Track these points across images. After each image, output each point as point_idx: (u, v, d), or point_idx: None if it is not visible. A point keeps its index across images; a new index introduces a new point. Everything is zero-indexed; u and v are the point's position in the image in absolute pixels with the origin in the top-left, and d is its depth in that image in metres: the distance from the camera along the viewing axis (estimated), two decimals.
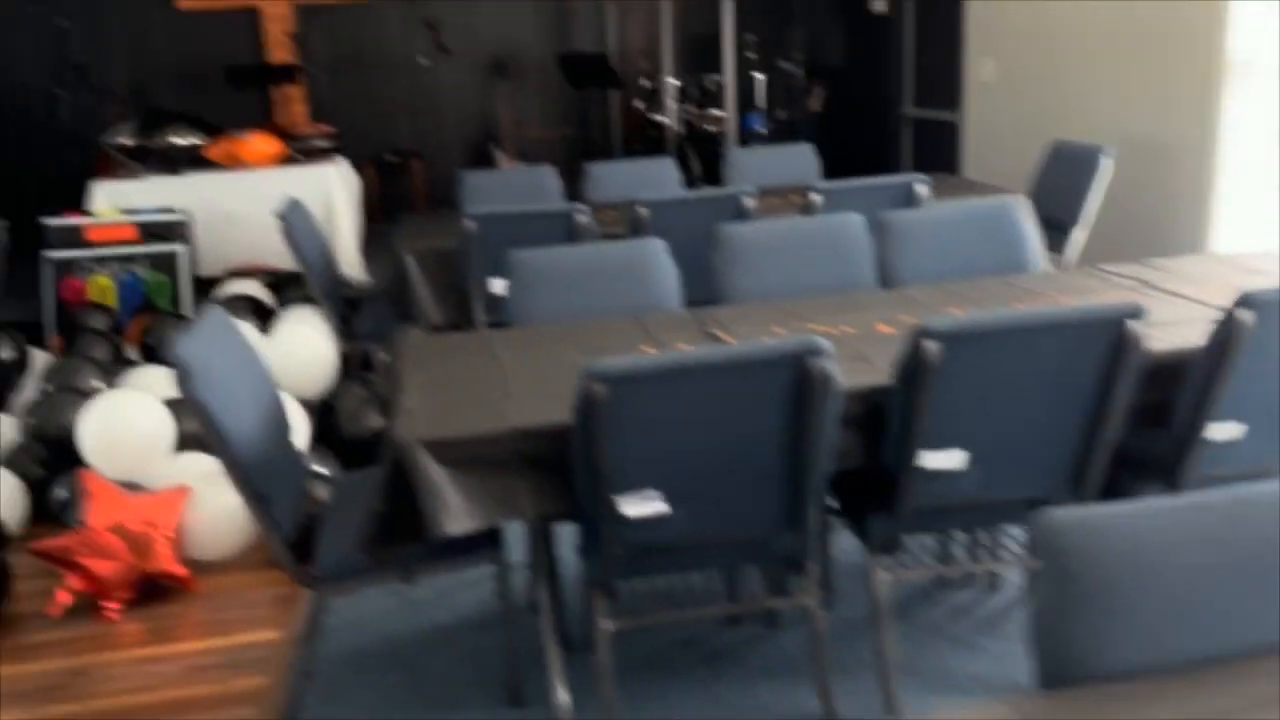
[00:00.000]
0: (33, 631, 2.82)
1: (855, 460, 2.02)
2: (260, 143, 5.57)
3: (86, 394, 3.46)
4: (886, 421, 1.98)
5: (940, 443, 1.94)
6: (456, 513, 1.87)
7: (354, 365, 4.16)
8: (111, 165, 7.47)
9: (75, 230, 5.27)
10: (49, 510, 3.35)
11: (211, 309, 2.33)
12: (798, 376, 1.81)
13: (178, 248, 5.34)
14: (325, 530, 2.29)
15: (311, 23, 7.95)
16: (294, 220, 4.07)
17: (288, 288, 5.13)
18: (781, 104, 7.52)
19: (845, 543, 2.66)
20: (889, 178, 4.00)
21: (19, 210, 7.87)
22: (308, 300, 4.56)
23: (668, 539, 1.94)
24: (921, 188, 3.78)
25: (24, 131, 7.99)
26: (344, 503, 2.42)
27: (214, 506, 3.06)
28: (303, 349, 3.83)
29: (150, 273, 5.32)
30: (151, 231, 5.33)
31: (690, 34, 8.12)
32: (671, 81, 7.54)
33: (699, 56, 8.17)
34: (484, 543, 2.14)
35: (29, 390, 4.04)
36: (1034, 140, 4.82)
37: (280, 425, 2.40)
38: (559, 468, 1.91)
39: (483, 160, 8.67)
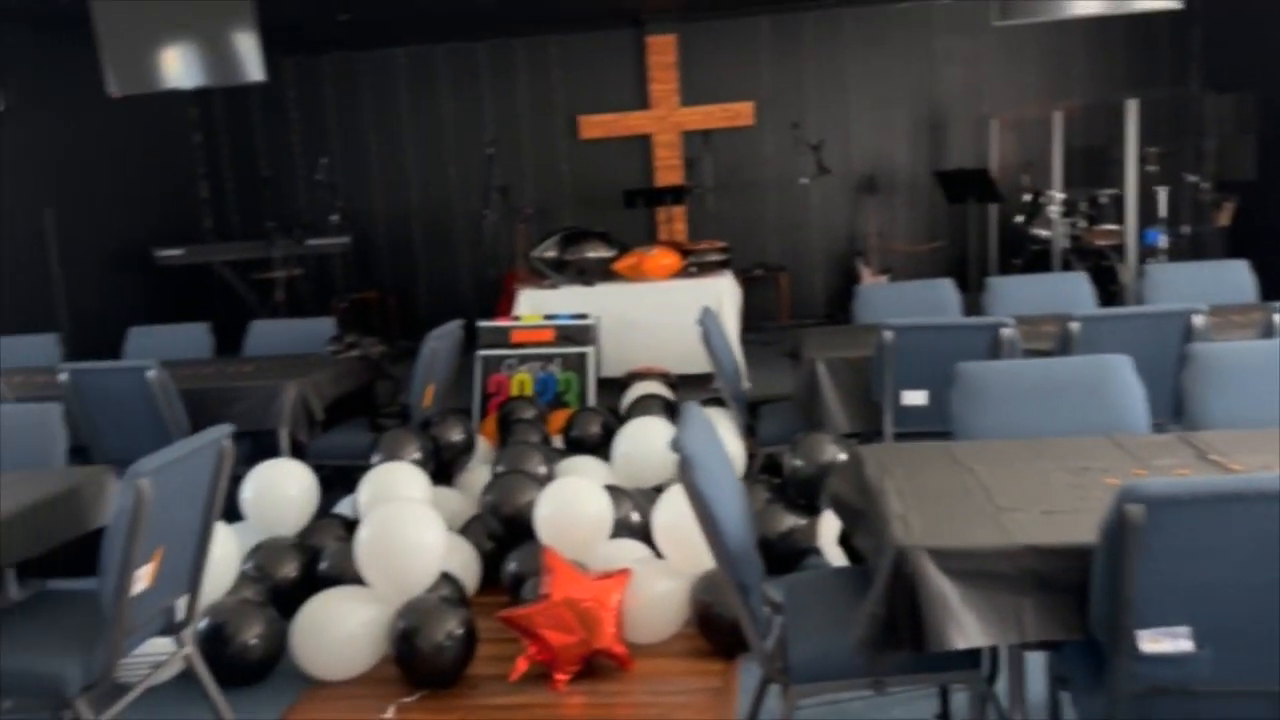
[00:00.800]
0: (493, 694, 3.09)
1: None
2: (663, 257, 5.99)
3: (533, 477, 3.82)
4: None
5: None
6: (966, 626, 1.85)
7: (756, 467, 4.29)
8: (518, 274, 8.35)
9: (504, 331, 5.89)
10: (498, 580, 3.70)
11: (691, 406, 2.49)
12: None
13: (588, 350, 5.82)
14: (791, 628, 2.34)
15: (700, 146, 8.52)
16: (709, 326, 4.31)
17: (684, 390, 5.43)
18: (1186, 219, 7.04)
19: None
20: None
21: (441, 311, 8.94)
22: (714, 402, 4.79)
23: (1189, 682, 1.80)
24: None
25: (453, 244, 9.13)
26: (802, 602, 2.47)
27: (649, 591, 3.24)
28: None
29: (563, 371, 5.82)
30: (566, 334, 5.86)
31: (1079, 147, 7.86)
32: (1057, 195, 7.29)
33: (1089, 169, 7.87)
34: (964, 659, 2.10)
35: (473, 470, 4.53)
36: None
37: (748, 519, 2.50)
38: (1070, 590, 1.84)
39: (846, 274, 8.80)
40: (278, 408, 4.24)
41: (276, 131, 9.14)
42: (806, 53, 8.61)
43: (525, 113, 8.92)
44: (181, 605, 2.76)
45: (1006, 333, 3.60)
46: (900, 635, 1.91)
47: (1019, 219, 7.56)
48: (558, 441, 4.81)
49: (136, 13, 6.03)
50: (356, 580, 3.54)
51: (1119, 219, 7.01)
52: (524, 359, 5.88)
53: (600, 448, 4.64)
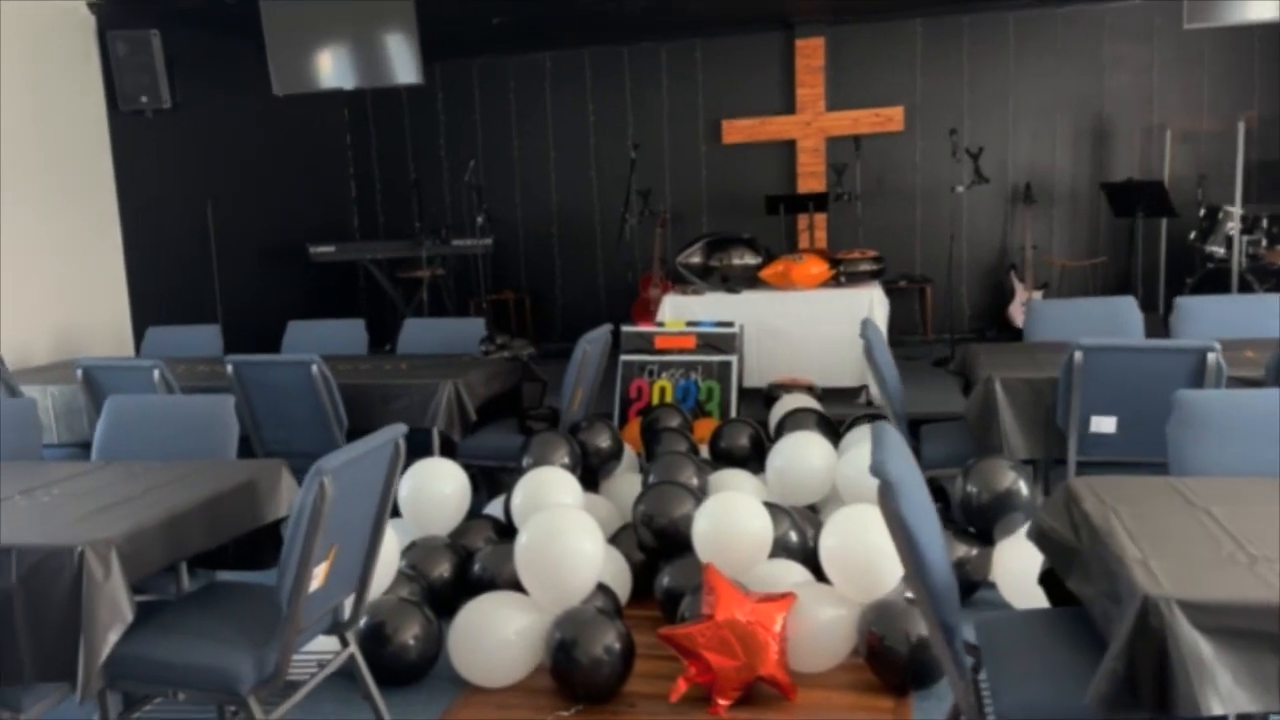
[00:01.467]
0: (653, 712, 2.98)
1: None
2: (812, 265, 5.82)
3: (687, 489, 3.70)
4: None
5: None
6: (1221, 690, 1.65)
7: None
8: (652, 279, 8.27)
9: (647, 337, 5.81)
10: (647, 593, 3.60)
11: (885, 427, 2.33)
12: None
13: (731, 358, 5.68)
14: (995, 674, 2.16)
15: (849, 152, 8.30)
16: (873, 339, 4.12)
17: (828, 404, 5.25)
18: None
19: None
20: None
21: (577, 314, 8.94)
22: (863, 419, 4.59)
23: None
24: None
25: (590, 247, 9.13)
26: (1003, 646, 2.28)
27: (815, 618, 3.08)
28: None
29: (705, 379, 5.70)
30: (709, 342, 5.74)
31: (1257, 160, 7.35)
32: (1235, 211, 6.81)
33: (1271, 185, 7.36)
34: None
35: (618, 477, 4.44)
36: None
37: (948, 551, 2.33)
38: None
39: (996, 289, 8.44)
40: (434, 406, 4.23)
41: (424, 134, 9.30)
42: (963, 56, 8.29)
43: (667, 117, 8.85)
44: (348, 604, 2.74)
45: (1213, 358, 3.31)
46: (1143, 696, 1.71)
47: (1192, 235, 7.10)
48: (703, 452, 4.68)
49: (302, 14, 6.18)
50: (510, 584, 3.49)
51: None
52: (666, 365, 5.78)
53: (748, 461, 4.50)
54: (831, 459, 3.92)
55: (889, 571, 3.07)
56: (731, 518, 3.31)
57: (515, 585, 3.57)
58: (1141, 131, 7.97)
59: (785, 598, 3.06)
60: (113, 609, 2.24)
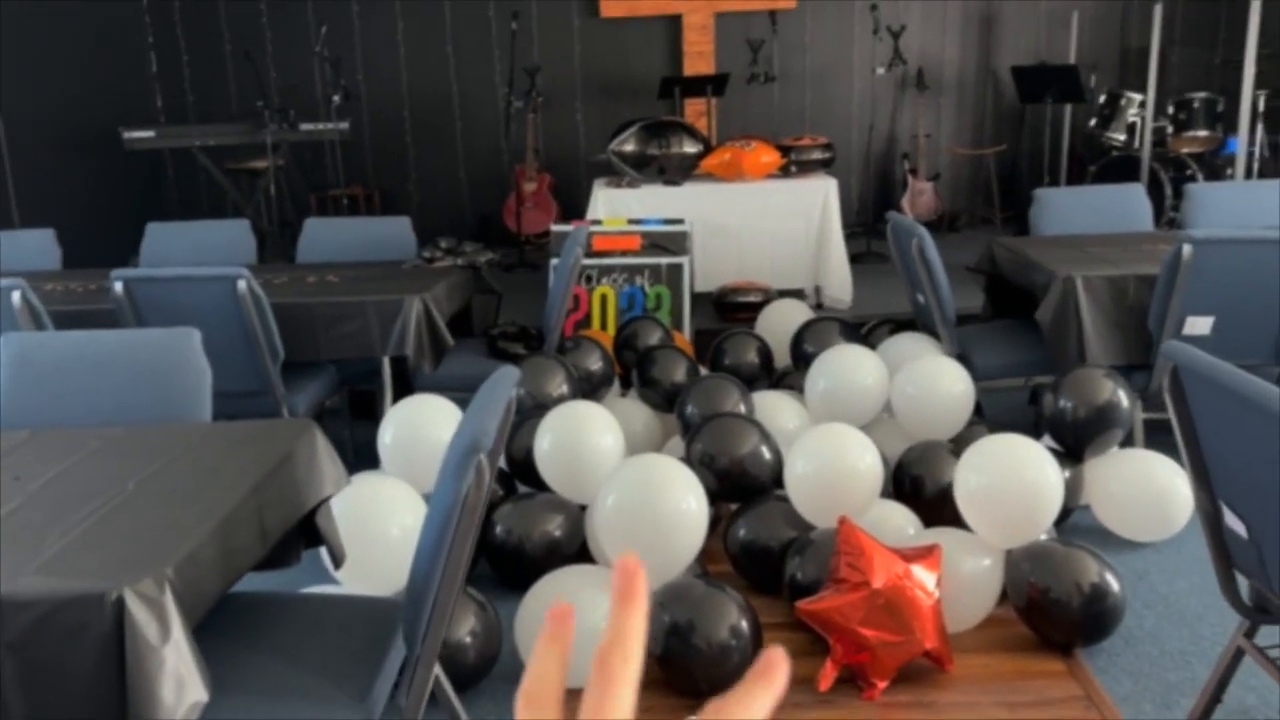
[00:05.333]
0: (801, 706, 2.43)
1: None
2: (762, 153, 5.23)
3: (750, 422, 3.10)
4: None
5: None
6: None
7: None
8: (525, 171, 7.44)
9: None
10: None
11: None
12: None
13: (683, 260, 5.05)
14: None
15: (735, 30, 7.66)
16: (923, 236, 3.62)
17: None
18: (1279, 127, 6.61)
19: None
20: None
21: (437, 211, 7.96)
22: (903, 327, 4.10)
23: None
24: None
25: (450, 133, 8.10)
26: None
27: (959, 571, 2.61)
28: (939, 385, 3.34)
29: (652, 284, 5.05)
30: (655, 242, 5.07)
31: (1168, 46, 7.32)
32: (1135, 97, 6.76)
33: (1180, 71, 7.38)
34: None
35: (612, 403, 3.77)
36: None
37: None
38: None
39: (883, 178, 8.17)
40: (397, 330, 3.39)
41: None
42: None
43: None
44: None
45: None
46: None
47: (1093, 122, 7.02)
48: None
49: None
50: (543, 549, 2.83)
51: (1212, 125, 6.53)
52: (606, 270, 5.07)
53: (755, 380, 3.94)
54: (883, 377, 3.42)
55: (1039, 512, 2.62)
56: (840, 456, 2.75)
57: (551, 550, 2.90)
58: (1031, 16, 7.79)
59: (933, 551, 2.55)
60: (179, 686, 1.42)
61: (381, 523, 2.51)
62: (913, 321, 4.27)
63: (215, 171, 6.91)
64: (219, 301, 3.22)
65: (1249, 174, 6.18)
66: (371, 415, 3.82)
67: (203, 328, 3.27)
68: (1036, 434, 3.27)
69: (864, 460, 2.78)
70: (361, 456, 3.75)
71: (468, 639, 2.47)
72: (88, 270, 4.02)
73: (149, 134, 6.57)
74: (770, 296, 5.13)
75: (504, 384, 1.83)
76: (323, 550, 2.05)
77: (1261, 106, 6.35)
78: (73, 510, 1.66)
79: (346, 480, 2.07)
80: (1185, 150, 6.64)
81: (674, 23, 7.81)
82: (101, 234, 4.22)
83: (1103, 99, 7.01)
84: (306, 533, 2.00)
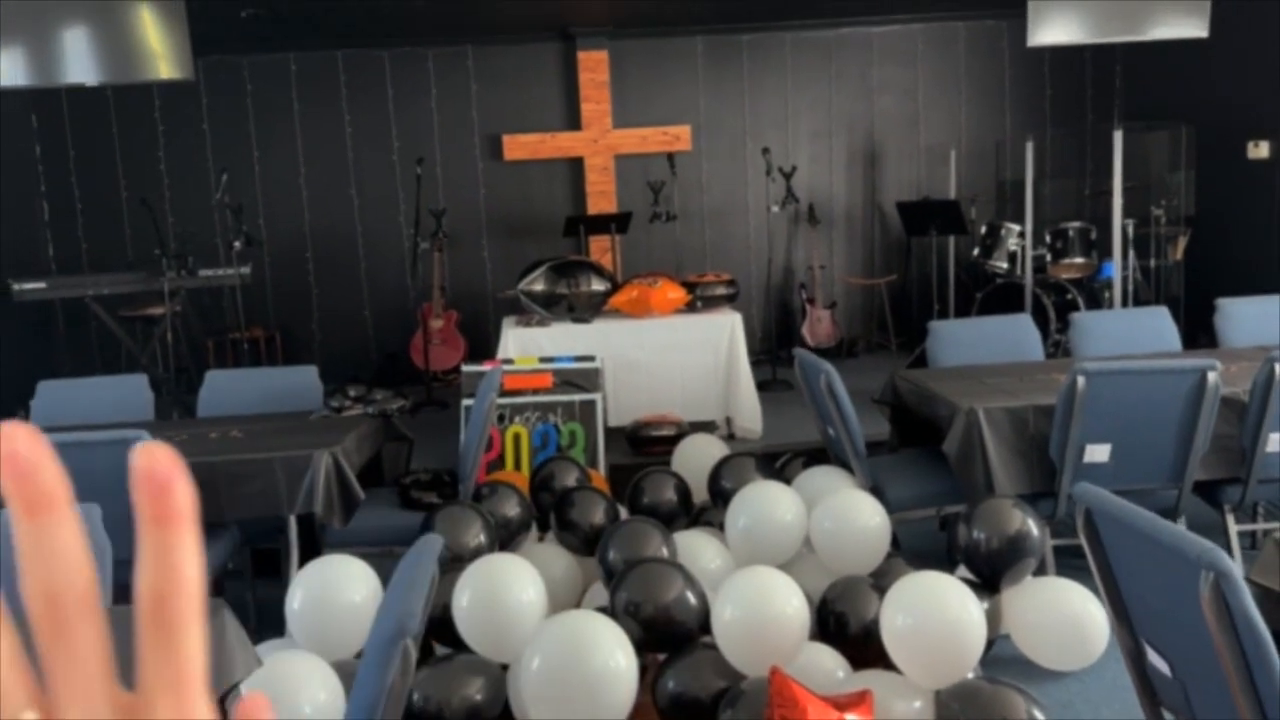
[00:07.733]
0: None
1: None
2: (669, 289, 5.34)
3: (674, 566, 3.07)
4: None
5: None
6: None
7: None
8: (431, 309, 7.44)
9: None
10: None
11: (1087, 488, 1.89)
12: None
13: (595, 396, 5.06)
14: None
15: (636, 171, 7.90)
16: (829, 372, 3.71)
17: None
18: (1147, 252, 7.06)
19: None
20: None
21: (340, 351, 7.87)
22: (805, 459, 4.16)
23: None
24: None
25: (354, 274, 8.07)
26: None
27: (886, 712, 2.58)
28: (857, 519, 3.38)
29: (566, 422, 5.04)
30: (568, 379, 5.09)
31: (1015, 180, 7.80)
32: (1014, 227, 7.16)
33: (1053, 202, 7.85)
34: None
35: (529, 550, 3.70)
36: None
37: None
38: None
39: (783, 308, 8.41)
40: (306, 486, 3.29)
41: (137, 144, 7.81)
42: (743, 76, 8.19)
43: (438, 130, 8.03)
44: None
45: (1213, 376, 3.20)
46: None
47: (976, 252, 7.38)
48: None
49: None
50: (465, 715, 2.70)
51: (1087, 253, 6.94)
52: (519, 409, 5.05)
53: (674, 518, 3.92)
54: (801, 513, 3.44)
55: (966, 650, 2.63)
56: (766, 602, 2.73)
57: (471, 716, 2.78)
58: (912, 153, 8.25)
59: (865, 698, 2.53)
60: None
61: (295, 708, 2.38)
62: (824, 451, 4.35)
63: (109, 320, 6.72)
64: (116, 464, 3.08)
65: (1125, 299, 6.55)
66: (275, 573, 3.67)
67: (99, 494, 3.13)
68: (950, 562, 3.33)
69: (791, 604, 2.77)
70: (265, 621, 3.59)
71: None
72: None
73: (40, 285, 6.38)
74: (683, 429, 5.16)
75: (427, 556, 1.78)
76: None
77: (1131, 234, 6.78)
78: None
79: (258, 663, 1.96)
80: (1064, 276, 7.01)
81: (576, 164, 8.04)
82: None
83: (984, 230, 7.40)
84: None
